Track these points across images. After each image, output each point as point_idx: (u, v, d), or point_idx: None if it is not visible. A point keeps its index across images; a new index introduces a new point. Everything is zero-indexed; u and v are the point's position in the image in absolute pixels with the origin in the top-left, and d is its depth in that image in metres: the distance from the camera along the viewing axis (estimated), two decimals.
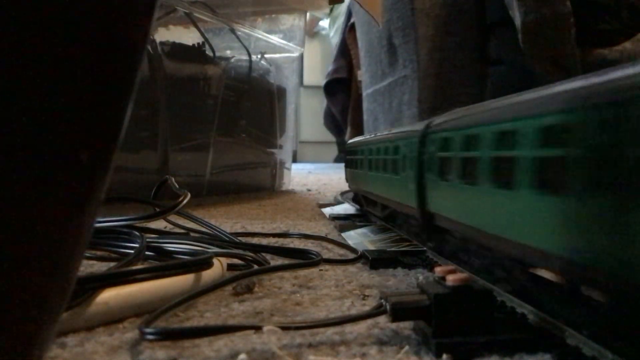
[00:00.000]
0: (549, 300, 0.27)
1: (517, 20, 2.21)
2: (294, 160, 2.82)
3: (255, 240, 0.55)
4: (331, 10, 3.85)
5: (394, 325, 0.28)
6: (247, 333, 0.26)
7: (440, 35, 2.23)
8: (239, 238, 0.50)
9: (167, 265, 0.33)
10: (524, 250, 0.25)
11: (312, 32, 4.32)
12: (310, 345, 0.26)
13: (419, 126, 0.44)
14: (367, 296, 0.35)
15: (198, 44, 0.98)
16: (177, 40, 0.93)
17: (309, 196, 1.19)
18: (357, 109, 3.22)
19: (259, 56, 1.16)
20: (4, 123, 0.14)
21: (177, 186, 0.50)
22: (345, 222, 0.68)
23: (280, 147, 1.25)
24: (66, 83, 0.15)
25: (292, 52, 1.30)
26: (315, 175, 2.19)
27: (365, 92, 2.91)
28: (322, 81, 3.75)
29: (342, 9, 3.59)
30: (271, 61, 1.21)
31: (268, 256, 0.44)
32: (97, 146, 0.16)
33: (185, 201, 0.46)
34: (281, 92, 1.25)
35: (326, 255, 0.48)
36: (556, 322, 0.26)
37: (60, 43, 0.14)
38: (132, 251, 0.39)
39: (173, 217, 0.50)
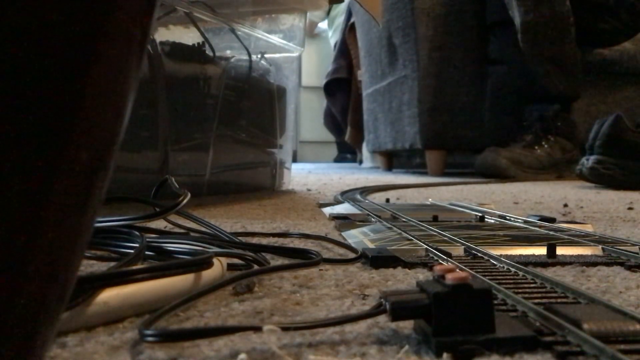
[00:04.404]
0: None
1: (517, 20, 2.22)
2: (294, 160, 2.82)
3: (255, 240, 0.55)
4: (329, 10, 3.85)
5: (393, 325, 0.28)
6: (247, 333, 0.26)
7: (440, 35, 2.24)
8: (239, 238, 0.50)
9: (167, 265, 0.33)
10: None
11: (312, 33, 4.32)
12: (310, 345, 0.26)
13: None
14: (367, 296, 0.35)
15: (198, 44, 0.98)
16: (177, 40, 0.93)
17: (309, 196, 1.19)
18: (357, 109, 3.23)
19: (259, 56, 1.16)
20: (3, 122, 0.14)
21: (177, 186, 0.50)
22: (345, 222, 0.68)
23: (280, 146, 1.25)
24: (65, 82, 0.15)
25: (292, 52, 1.30)
26: (315, 175, 2.19)
27: (365, 92, 2.92)
28: (318, 82, 3.75)
29: (341, 9, 3.60)
30: (271, 61, 1.21)
31: (268, 256, 0.44)
32: (97, 146, 0.16)
33: (185, 201, 0.46)
34: (281, 92, 1.25)
35: (326, 255, 0.48)
36: (557, 320, 0.26)
37: (57, 41, 0.15)
38: (132, 251, 0.39)
39: (173, 217, 0.50)
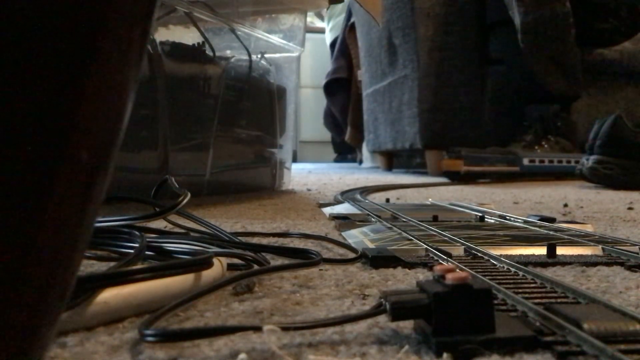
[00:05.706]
0: None
1: (517, 20, 2.22)
2: (294, 160, 2.82)
3: (255, 240, 0.55)
4: (327, 8, 3.84)
5: (394, 325, 0.28)
6: (247, 333, 0.26)
7: (440, 35, 2.24)
8: (239, 238, 0.50)
9: (167, 265, 0.33)
10: None
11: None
12: (310, 345, 0.26)
13: None
14: (367, 296, 0.35)
15: (198, 43, 0.98)
16: (177, 40, 0.93)
17: (309, 196, 1.19)
18: (357, 109, 3.23)
19: (259, 56, 1.16)
20: (3, 122, 0.14)
21: (177, 186, 0.50)
22: (345, 222, 0.68)
23: (280, 146, 1.26)
24: (65, 82, 0.15)
25: (292, 52, 1.30)
26: (315, 175, 2.19)
27: (365, 92, 2.92)
28: (311, 82, 3.73)
29: (338, 8, 3.59)
30: (271, 61, 1.21)
31: (268, 256, 0.44)
32: (97, 146, 0.16)
33: (185, 201, 0.46)
34: (281, 92, 1.25)
35: (326, 255, 0.48)
36: (557, 320, 0.26)
37: (58, 41, 0.14)
38: (132, 251, 0.39)
39: (173, 217, 0.50)
